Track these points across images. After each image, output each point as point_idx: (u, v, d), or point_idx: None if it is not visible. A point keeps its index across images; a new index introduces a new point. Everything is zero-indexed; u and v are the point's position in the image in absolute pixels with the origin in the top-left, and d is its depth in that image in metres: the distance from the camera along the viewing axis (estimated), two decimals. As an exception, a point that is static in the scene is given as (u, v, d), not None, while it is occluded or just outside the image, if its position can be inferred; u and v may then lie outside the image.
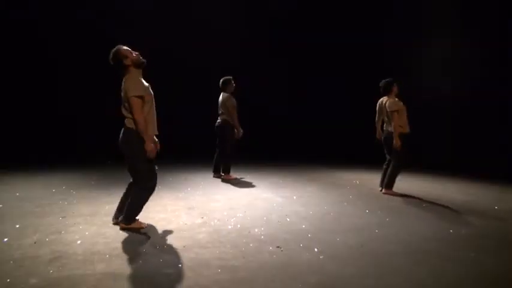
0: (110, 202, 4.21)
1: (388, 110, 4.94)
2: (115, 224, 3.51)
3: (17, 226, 3.37)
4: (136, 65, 3.26)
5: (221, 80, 5.95)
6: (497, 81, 7.41)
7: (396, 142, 4.86)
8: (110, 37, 8.29)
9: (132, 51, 3.29)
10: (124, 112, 3.28)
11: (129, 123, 3.24)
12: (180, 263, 2.68)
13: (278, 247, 3.06)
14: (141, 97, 3.16)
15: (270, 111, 9.62)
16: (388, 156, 5.23)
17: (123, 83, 3.23)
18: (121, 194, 3.56)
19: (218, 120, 5.95)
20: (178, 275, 2.49)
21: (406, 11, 8.81)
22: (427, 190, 5.49)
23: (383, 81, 5.09)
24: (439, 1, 8.37)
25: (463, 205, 4.66)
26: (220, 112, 5.92)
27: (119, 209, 3.53)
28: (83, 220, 3.61)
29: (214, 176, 6.11)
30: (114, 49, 3.27)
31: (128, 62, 3.23)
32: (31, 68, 8.08)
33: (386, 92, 5.06)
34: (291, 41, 9.60)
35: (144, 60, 3.30)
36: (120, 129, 3.35)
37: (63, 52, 8.35)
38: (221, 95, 5.94)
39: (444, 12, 8.25)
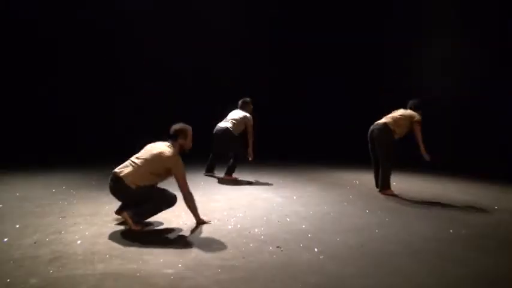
0: (109, 202, 4.20)
1: (414, 119, 5.01)
2: (117, 213, 3.51)
3: (17, 226, 3.37)
4: (182, 149, 3.50)
5: (241, 101, 6.03)
6: (497, 81, 7.40)
7: (423, 151, 4.96)
8: (110, 37, 8.38)
9: (191, 140, 3.57)
10: (138, 164, 3.32)
11: (127, 179, 3.25)
12: (180, 263, 2.68)
13: (278, 247, 3.06)
14: None
15: (269, 111, 9.62)
16: (372, 156, 5.25)
17: (168, 152, 3.35)
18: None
19: (222, 126, 5.83)
20: (178, 275, 2.49)
21: (406, 11, 8.81)
22: (427, 190, 5.49)
23: (418, 99, 5.24)
24: (439, 1, 8.38)
25: (463, 205, 4.66)
26: (230, 120, 5.87)
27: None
28: (83, 220, 3.61)
29: (205, 174, 6.19)
30: (184, 126, 3.54)
31: (181, 142, 3.49)
32: (31, 67, 8.08)
33: (417, 109, 5.15)
34: (291, 41, 9.60)
35: (188, 151, 3.58)
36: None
37: (63, 52, 8.35)
38: (240, 111, 5.94)
39: (444, 12, 8.25)
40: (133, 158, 3.44)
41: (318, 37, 9.58)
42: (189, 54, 8.89)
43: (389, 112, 5.31)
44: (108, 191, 3.50)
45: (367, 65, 9.28)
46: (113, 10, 8.29)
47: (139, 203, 3.36)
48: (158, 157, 3.33)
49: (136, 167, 3.32)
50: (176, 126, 3.52)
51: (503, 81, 7.32)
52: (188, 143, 3.54)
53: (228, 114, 6.06)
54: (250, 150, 5.88)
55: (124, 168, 3.35)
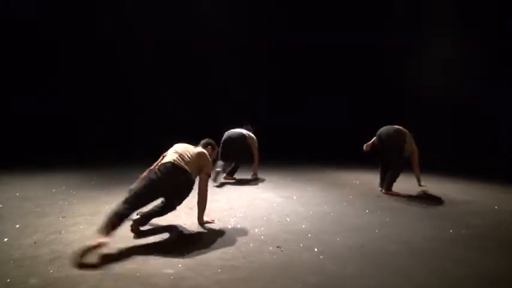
0: (109, 202, 4.20)
1: (415, 148, 5.18)
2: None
3: (17, 226, 3.37)
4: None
5: (245, 126, 6.14)
6: (497, 81, 7.41)
7: (419, 182, 5.26)
8: (110, 37, 8.39)
9: (212, 158, 3.82)
10: (190, 159, 3.47)
11: (192, 174, 3.44)
12: (180, 263, 2.68)
13: (278, 247, 3.05)
14: None
15: (269, 111, 9.62)
16: (379, 158, 5.28)
17: (205, 151, 3.62)
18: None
19: (238, 132, 5.88)
20: (178, 275, 2.49)
21: (406, 11, 8.82)
22: (427, 190, 5.49)
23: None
24: (439, 1, 8.38)
25: (463, 205, 4.66)
26: (244, 131, 5.94)
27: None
28: (83, 220, 3.61)
29: None
30: (215, 144, 3.95)
31: (208, 150, 3.78)
32: (31, 67, 8.08)
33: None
34: (291, 41, 9.61)
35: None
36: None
37: (63, 52, 8.36)
38: (247, 130, 6.01)
39: (444, 12, 8.26)
40: (184, 155, 3.46)
41: (318, 37, 9.59)
42: (189, 54, 8.89)
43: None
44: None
45: (367, 65, 9.28)
46: (113, 10, 8.30)
47: (175, 196, 3.41)
48: (199, 154, 3.54)
49: (191, 163, 3.43)
50: (209, 140, 3.93)
51: (503, 81, 7.32)
52: (212, 156, 3.82)
53: (232, 128, 6.09)
54: (254, 167, 6.06)
55: (184, 165, 3.38)
